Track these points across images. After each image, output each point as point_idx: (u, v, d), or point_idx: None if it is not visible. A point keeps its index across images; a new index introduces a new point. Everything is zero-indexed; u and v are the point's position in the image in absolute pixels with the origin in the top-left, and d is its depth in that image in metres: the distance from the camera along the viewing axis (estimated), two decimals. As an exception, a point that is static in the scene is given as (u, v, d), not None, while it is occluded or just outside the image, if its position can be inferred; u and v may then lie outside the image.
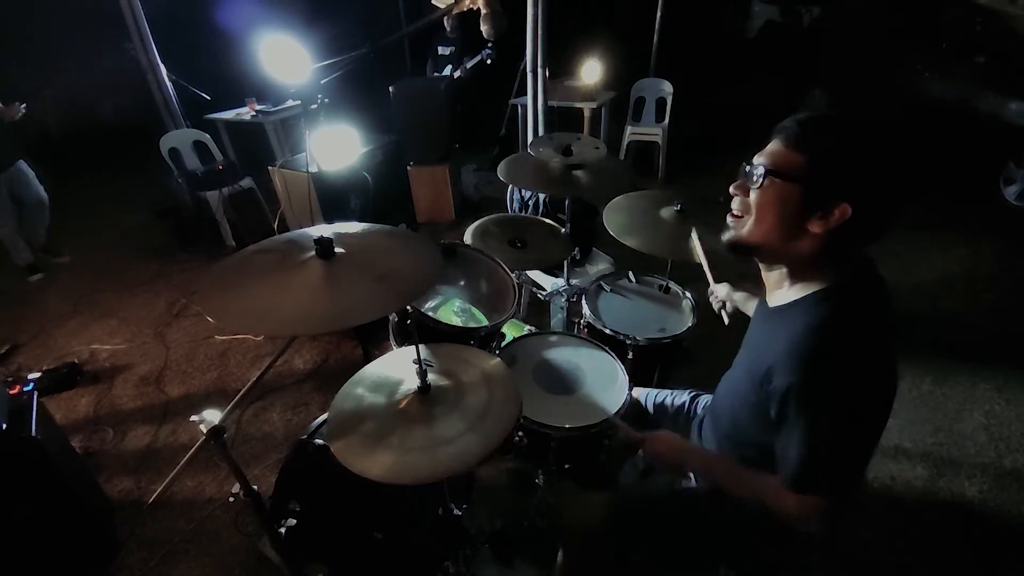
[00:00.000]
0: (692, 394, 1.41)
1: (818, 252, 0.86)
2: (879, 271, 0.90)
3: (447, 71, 4.49)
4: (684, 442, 1.11)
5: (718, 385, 1.22)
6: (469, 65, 4.35)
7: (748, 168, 0.89)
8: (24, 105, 3.20)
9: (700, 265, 1.46)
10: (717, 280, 1.45)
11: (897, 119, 0.80)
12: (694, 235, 1.50)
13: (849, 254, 0.88)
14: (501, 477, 1.83)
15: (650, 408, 1.46)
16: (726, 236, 0.95)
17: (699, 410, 1.36)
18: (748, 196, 0.90)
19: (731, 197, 0.94)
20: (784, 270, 0.93)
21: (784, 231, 0.87)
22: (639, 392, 1.49)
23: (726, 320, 1.42)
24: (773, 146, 0.87)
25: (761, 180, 0.85)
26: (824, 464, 0.85)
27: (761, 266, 0.98)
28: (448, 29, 4.43)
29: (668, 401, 1.43)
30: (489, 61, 4.30)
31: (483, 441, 0.99)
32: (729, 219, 0.94)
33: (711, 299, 1.48)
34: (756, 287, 1.31)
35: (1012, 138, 3.83)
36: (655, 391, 1.49)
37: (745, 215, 0.90)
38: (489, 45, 4.25)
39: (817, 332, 0.83)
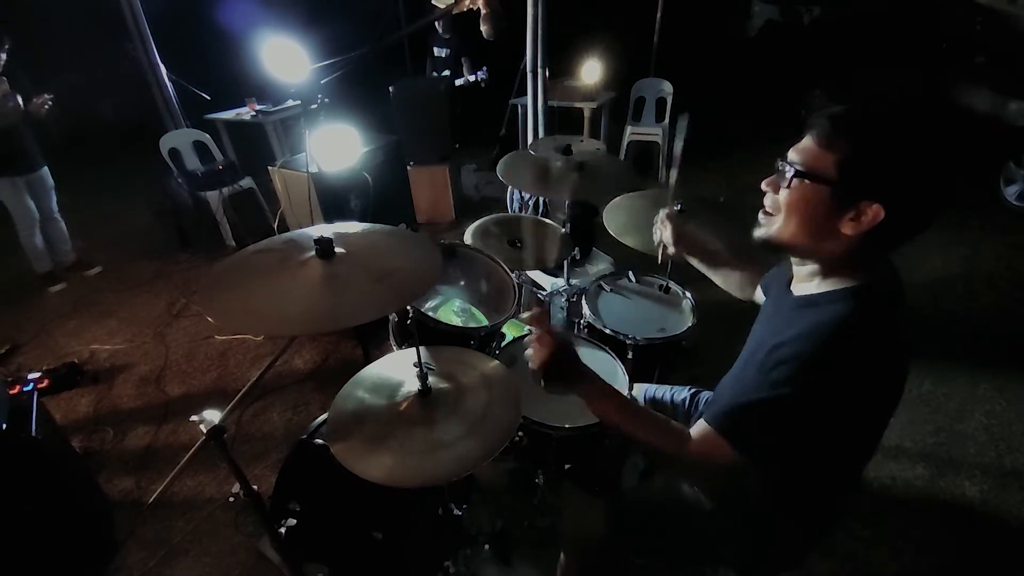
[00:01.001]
0: (692, 391, 1.41)
1: (850, 252, 0.85)
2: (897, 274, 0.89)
3: (445, 73, 4.49)
4: (581, 363, 1.01)
5: (718, 384, 1.21)
6: (462, 82, 4.35)
7: (780, 165, 0.87)
8: (51, 97, 3.03)
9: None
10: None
11: (927, 117, 0.78)
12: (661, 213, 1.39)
13: (881, 254, 0.87)
14: (501, 477, 1.82)
15: (649, 404, 1.45)
16: (757, 233, 0.93)
17: (700, 406, 1.36)
18: (779, 193, 0.88)
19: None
20: (816, 266, 0.91)
21: (814, 231, 0.85)
22: (639, 388, 1.48)
23: (659, 256, 1.37)
24: (805, 143, 0.84)
25: (791, 180, 0.84)
26: (764, 424, 0.84)
27: (792, 260, 0.97)
28: (440, 31, 4.42)
29: (668, 397, 1.43)
30: (483, 84, 4.30)
31: (483, 444, 0.99)
32: (761, 216, 0.93)
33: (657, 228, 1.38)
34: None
35: (1012, 138, 3.83)
36: (655, 386, 1.48)
37: (776, 213, 0.89)
38: (484, 68, 4.25)
39: (842, 323, 0.82)
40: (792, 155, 0.86)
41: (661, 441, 0.94)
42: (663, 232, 1.35)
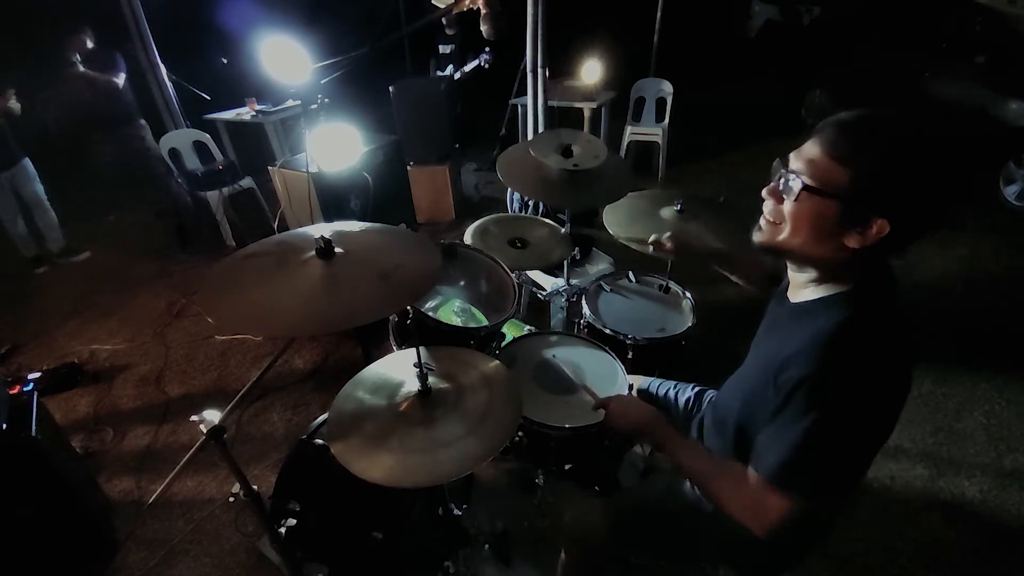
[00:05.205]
0: (697, 389, 1.40)
1: (850, 260, 0.84)
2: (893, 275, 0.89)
3: (449, 70, 4.49)
4: (649, 409, 1.10)
5: (723, 385, 1.21)
6: (468, 68, 4.35)
7: (783, 173, 0.85)
8: (14, 91, 3.26)
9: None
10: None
11: (937, 129, 0.76)
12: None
13: (878, 261, 0.87)
14: (501, 477, 1.83)
15: (649, 398, 1.45)
16: (757, 238, 0.92)
17: (704, 406, 1.35)
18: (781, 203, 0.86)
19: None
20: (813, 273, 0.91)
21: (819, 243, 0.84)
22: (644, 380, 1.48)
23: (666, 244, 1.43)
24: (811, 151, 0.81)
25: (798, 193, 0.82)
26: (815, 461, 0.82)
27: (789, 266, 0.97)
28: (445, 27, 4.43)
29: (672, 394, 1.43)
30: (487, 66, 4.29)
31: (483, 444, 0.99)
32: (762, 222, 0.91)
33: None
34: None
35: (1012, 138, 3.83)
36: (659, 381, 1.48)
37: (779, 223, 0.87)
38: (487, 49, 4.25)
39: (841, 331, 0.82)
40: (797, 163, 0.83)
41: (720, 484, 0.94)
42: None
